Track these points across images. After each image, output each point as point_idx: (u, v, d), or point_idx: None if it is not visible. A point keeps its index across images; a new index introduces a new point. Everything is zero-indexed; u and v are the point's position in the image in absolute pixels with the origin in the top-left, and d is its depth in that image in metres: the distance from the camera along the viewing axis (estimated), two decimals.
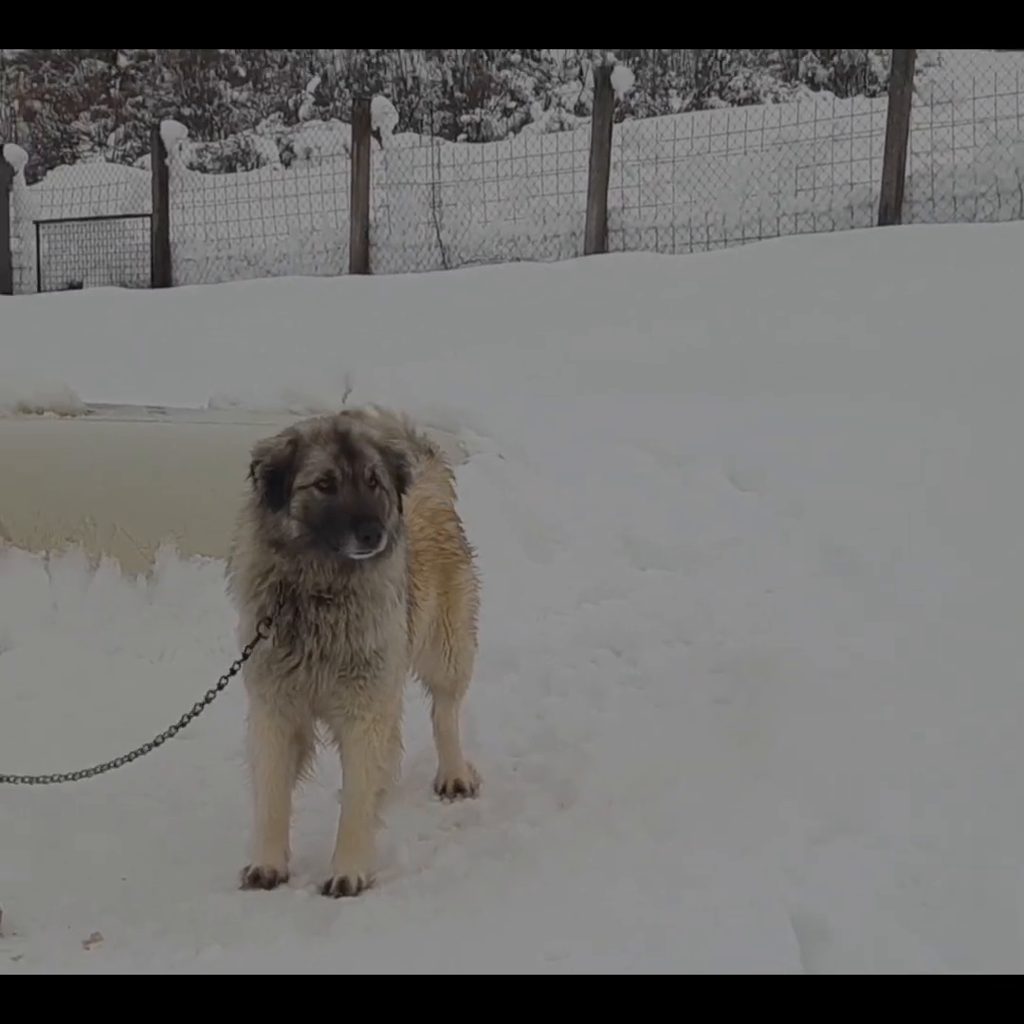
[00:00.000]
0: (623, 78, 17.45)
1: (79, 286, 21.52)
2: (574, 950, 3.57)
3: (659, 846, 4.28)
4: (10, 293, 22.12)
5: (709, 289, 12.26)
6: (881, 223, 15.03)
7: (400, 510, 4.30)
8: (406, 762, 4.81)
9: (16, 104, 37.52)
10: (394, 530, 4.24)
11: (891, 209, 14.98)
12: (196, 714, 4.57)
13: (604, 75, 17.57)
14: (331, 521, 4.11)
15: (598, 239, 16.76)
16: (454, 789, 5.06)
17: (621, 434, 7.98)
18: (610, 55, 33.18)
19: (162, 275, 20.95)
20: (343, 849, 4.42)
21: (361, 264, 18.73)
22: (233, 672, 4.46)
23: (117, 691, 5.81)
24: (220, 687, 4.51)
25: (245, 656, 4.38)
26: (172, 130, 21.95)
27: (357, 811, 4.43)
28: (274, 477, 4.21)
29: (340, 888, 4.31)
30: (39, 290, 22.22)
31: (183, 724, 4.58)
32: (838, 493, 7.07)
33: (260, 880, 4.41)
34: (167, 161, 21.26)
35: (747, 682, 5.39)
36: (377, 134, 19.42)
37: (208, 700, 4.53)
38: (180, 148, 25.94)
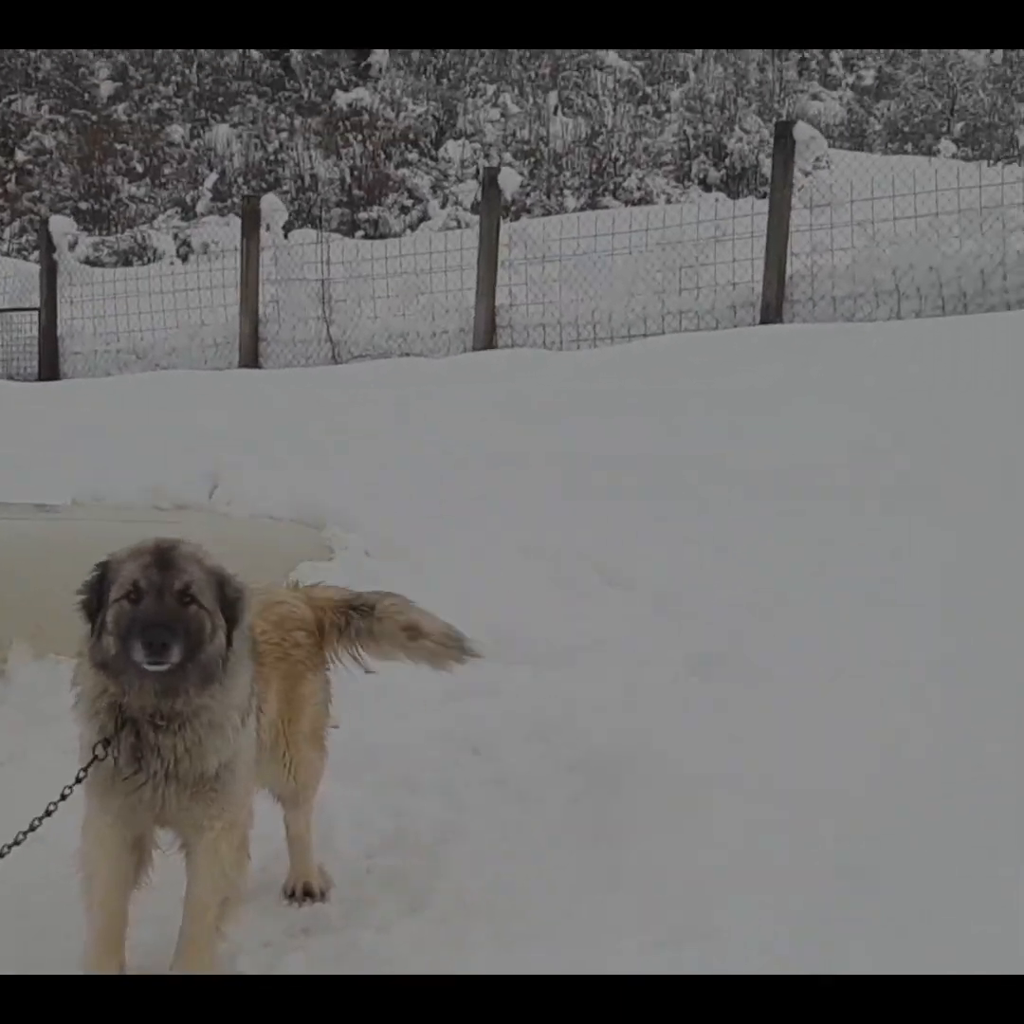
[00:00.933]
0: (510, 179, 17.74)
1: None
2: None
3: (504, 957, 4.20)
4: None
5: (590, 386, 12.33)
6: (763, 322, 15.27)
7: (228, 636, 4.10)
8: (257, 864, 4.68)
9: None
10: (219, 655, 4.08)
11: (772, 308, 15.24)
12: (33, 830, 4.39)
13: (491, 176, 17.84)
14: (130, 630, 3.97)
15: (487, 335, 16.90)
16: (303, 893, 4.94)
17: (495, 532, 7.95)
18: (503, 156, 33.79)
19: (50, 368, 20.82)
20: (182, 961, 4.27)
21: (251, 358, 18.74)
22: (77, 782, 4.28)
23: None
24: (63, 797, 4.37)
25: (79, 778, 4.24)
26: (60, 224, 22.00)
27: (200, 920, 4.29)
28: (90, 601, 4.11)
29: None
30: None
31: (18, 842, 4.38)
32: (704, 595, 7.08)
33: None
34: (55, 255, 21.20)
35: (602, 782, 5.34)
36: (269, 229, 19.51)
37: (48, 813, 4.39)
38: (73, 244, 25.90)
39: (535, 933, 4.33)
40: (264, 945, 4.60)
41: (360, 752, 5.75)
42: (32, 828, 4.38)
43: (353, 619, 5.07)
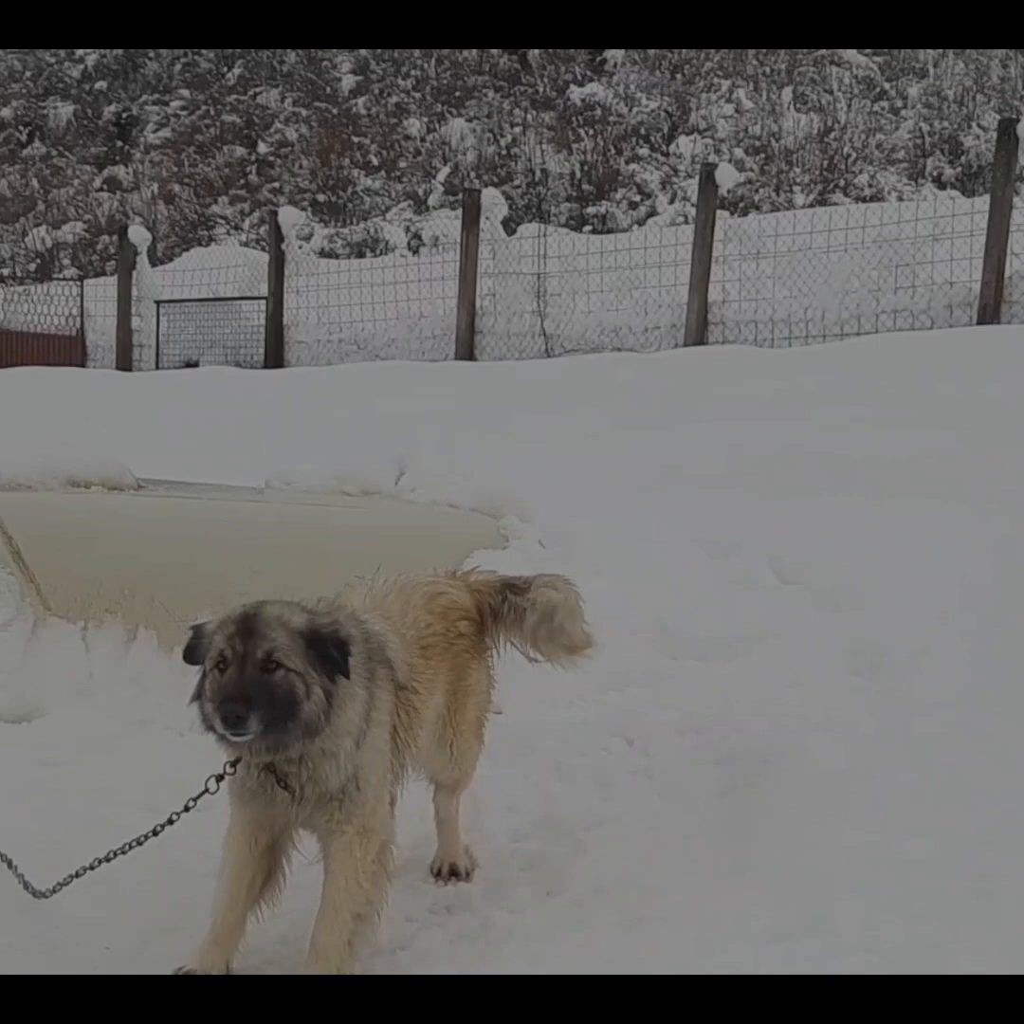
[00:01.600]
0: (727, 174, 17.64)
1: (195, 364, 22.12)
2: None
3: (627, 940, 4.26)
4: (129, 369, 22.81)
5: (795, 383, 12.22)
6: (980, 322, 14.90)
7: (326, 691, 4.15)
8: (406, 842, 4.82)
9: (156, 187, 38.76)
10: (320, 710, 4.14)
11: (990, 309, 14.86)
12: (171, 823, 4.62)
13: (708, 172, 17.75)
14: (213, 701, 4.08)
15: (698, 331, 16.86)
16: (449, 873, 5.05)
17: (671, 525, 7.97)
18: (734, 152, 33.51)
19: (274, 356, 21.45)
20: (315, 960, 4.29)
21: (466, 350, 19.03)
22: (202, 793, 4.47)
23: (142, 761, 5.89)
24: (187, 808, 4.57)
25: (206, 789, 4.42)
26: (289, 216, 22.59)
27: (331, 930, 4.27)
28: (192, 665, 4.27)
29: None
30: (157, 367, 22.89)
31: (157, 832, 4.62)
32: (877, 592, 6.99)
33: None
34: (284, 246, 21.80)
35: (748, 776, 5.36)
36: (489, 222, 19.76)
37: (187, 809, 4.58)
38: (309, 236, 26.63)
39: (660, 918, 4.37)
40: (407, 920, 4.73)
41: (516, 737, 5.86)
42: (170, 822, 4.62)
43: (508, 598, 5.12)
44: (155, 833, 4.60)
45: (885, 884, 4.16)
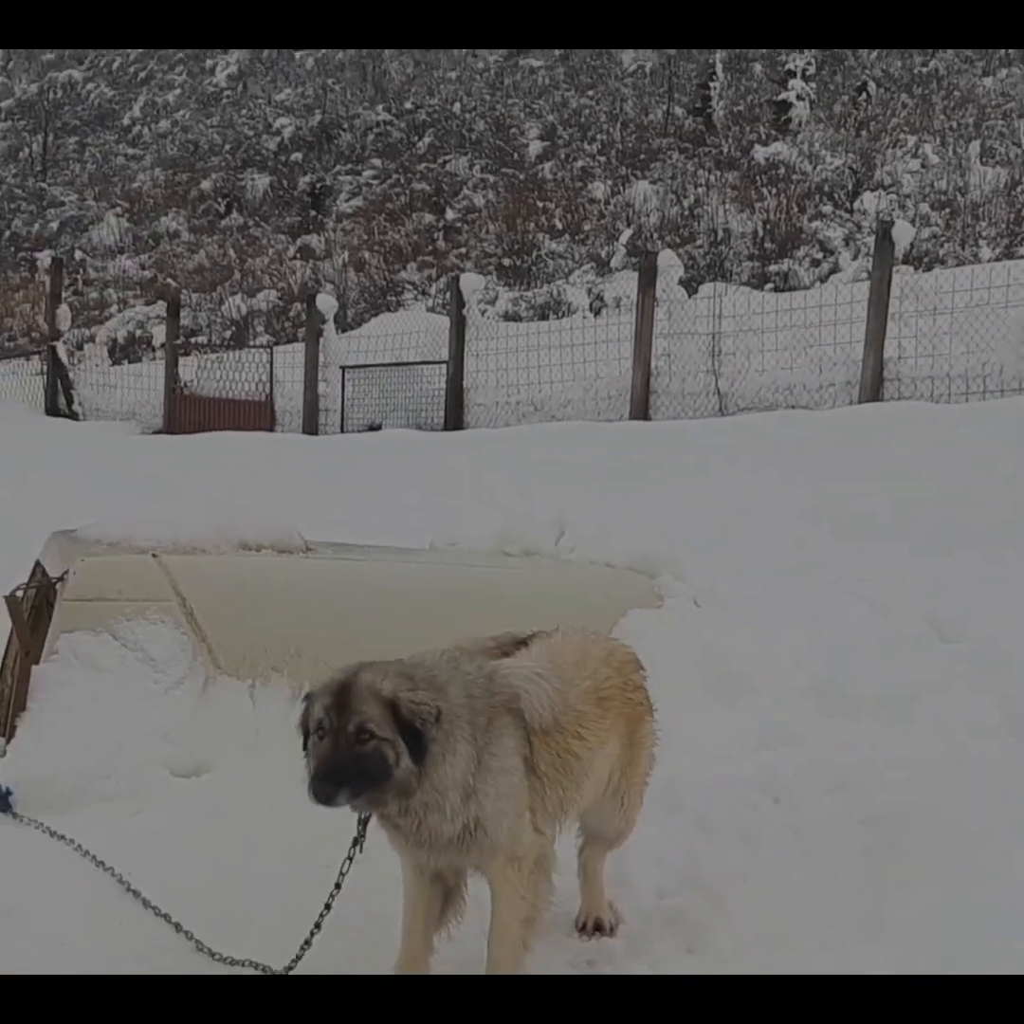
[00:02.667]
0: (904, 232, 17.47)
1: (378, 428, 22.60)
2: None
3: None
4: (315, 433, 23.40)
5: (967, 438, 12.08)
6: None
7: (417, 757, 4.31)
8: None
9: (347, 255, 39.77)
10: (410, 775, 4.30)
11: None
12: (337, 887, 4.83)
13: (884, 229, 17.63)
14: (308, 772, 4.34)
15: (873, 388, 16.72)
16: (594, 927, 5.13)
17: (832, 582, 7.97)
18: (919, 207, 33.10)
19: (454, 418, 21.82)
20: (491, 972, 4.57)
21: (641, 410, 19.16)
22: (348, 860, 4.73)
23: (304, 816, 6.10)
24: (342, 874, 4.78)
25: (350, 856, 4.70)
26: (470, 282, 23.02)
27: (502, 940, 4.57)
28: (302, 730, 4.51)
29: None
30: (342, 431, 23.44)
31: (330, 900, 4.84)
32: None
33: None
34: (465, 311, 22.21)
35: (896, 836, 5.34)
36: (664, 284, 19.88)
37: (337, 886, 4.80)
38: (495, 299, 27.03)
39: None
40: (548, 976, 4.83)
41: (663, 793, 5.89)
42: (337, 885, 4.82)
43: None
44: (337, 887, 4.82)
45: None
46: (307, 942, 4.78)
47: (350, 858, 4.68)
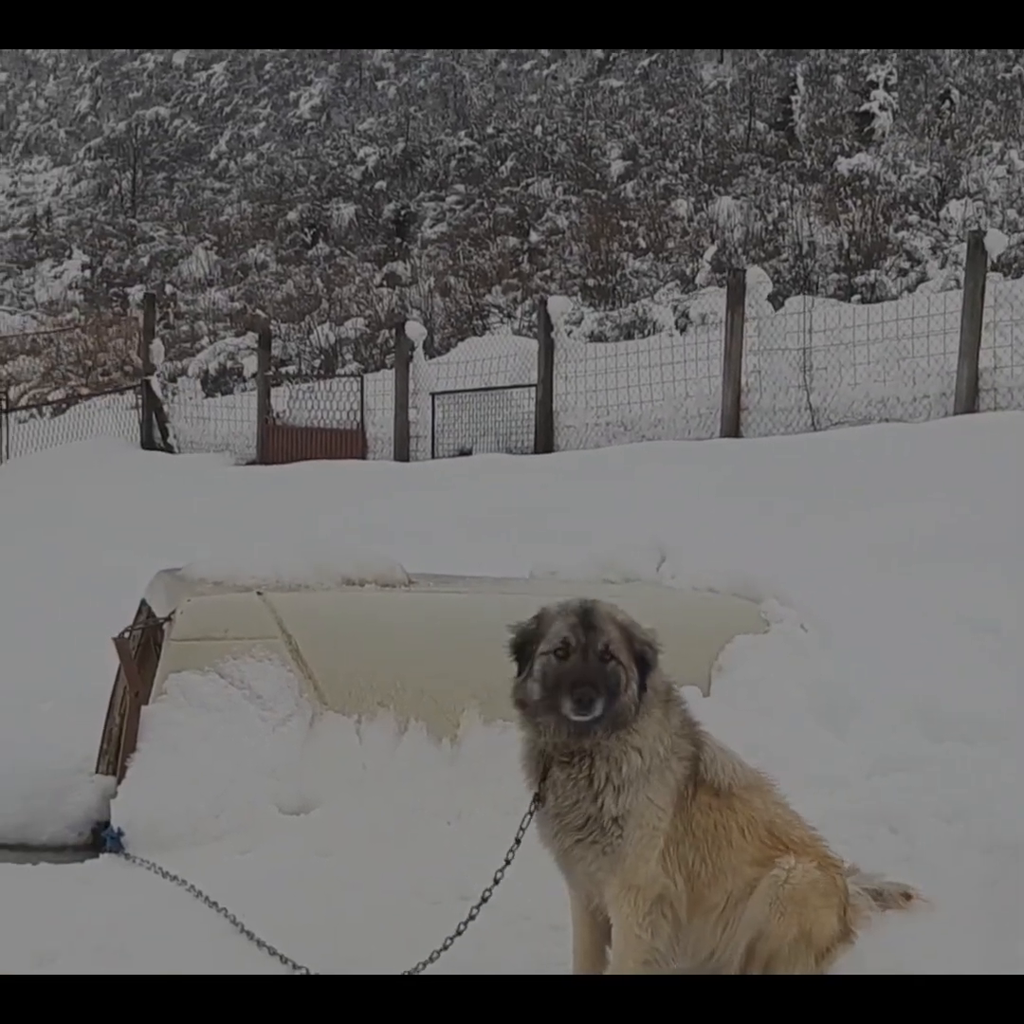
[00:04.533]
0: (996, 240, 17.23)
1: (469, 452, 22.64)
2: None
3: None
4: (406, 460, 23.48)
5: None
6: None
7: (641, 686, 4.52)
8: None
9: (433, 280, 39.95)
10: (632, 703, 4.50)
11: None
12: (485, 901, 4.90)
13: (977, 238, 17.39)
14: (558, 684, 4.45)
15: (968, 399, 16.48)
16: None
17: (936, 603, 7.85)
18: (1007, 214, 32.67)
19: (544, 441, 21.80)
20: None
21: (732, 427, 19.04)
22: (517, 842, 4.80)
23: (412, 850, 6.10)
24: (507, 863, 4.87)
25: (518, 839, 4.78)
26: (558, 304, 22.99)
27: (617, 975, 4.55)
28: (521, 647, 4.63)
29: None
30: (433, 457, 23.51)
31: (484, 900, 4.90)
32: None
33: None
34: (553, 334, 22.20)
35: (1017, 866, 5.22)
36: (753, 300, 19.76)
37: (496, 881, 4.89)
38: (580, 320, 26.97)
39: None
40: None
41: None
42: (484, 900, 4.90)
43: None
44: (484, 900, 4.90)
45: None
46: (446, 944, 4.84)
47: (530, 812, 4.70)
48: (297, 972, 5.03)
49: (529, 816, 4.72)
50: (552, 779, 4.60)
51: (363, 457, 24.61)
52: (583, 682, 4.42)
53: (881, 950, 4.91)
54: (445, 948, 4.86)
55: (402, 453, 24.19)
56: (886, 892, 5.20)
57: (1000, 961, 4.59)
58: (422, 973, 4.76)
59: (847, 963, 4.81)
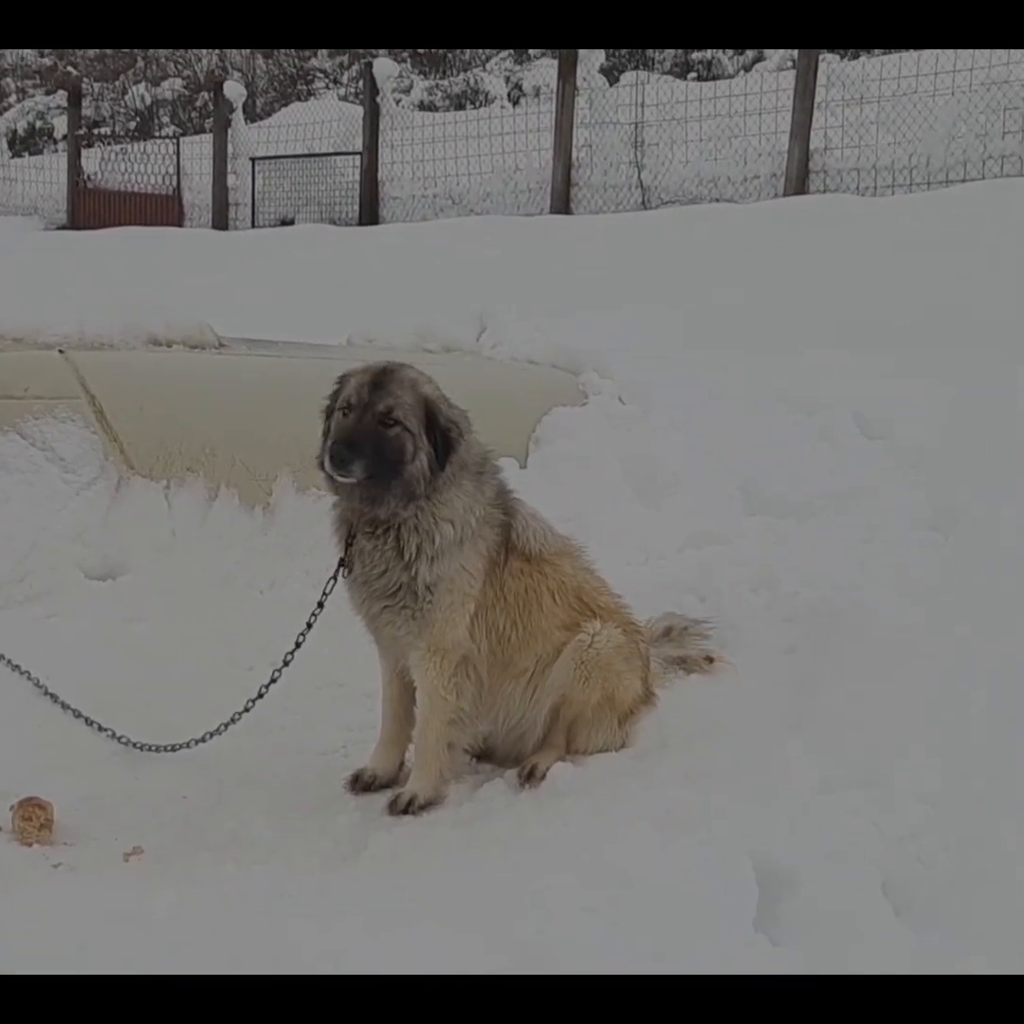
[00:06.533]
0: None
1: (291, 222, 22.01)
2: (557, 885, 3.60)
3: (684, 792, 4.28)
4: (225, 229, 22.78)
5: (895, 232, 11.91)
6: None
7: (441, 463, 4.40)
8: None
9: None
10: (420, 475, 4.37)
11: None
12: (287, 664, 4.93)
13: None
14: (329, 440, 4.36)
15: (799, 181, 16.44)
16: (527, 774, 4.90)
17: (754, 382, 7.87)
18: None
19: (369, 213, 21.27)
20: (413, 769, 4.66)
21: (562, 204, 18.75)
22: (320, 607, 4.79)
23: (225, 618, 6.02)
24: (309, 626, 4.87)
25: (325, 594, 4.74)
26: (385, 68, 22.19)
27: (422, 734, 4.64)
28: (328, 411, 4.51)
29: (398, 805, 4.54)
30: (253, 226, 22.83)
31: (286, 663, 4.92)
32: (963, 452, 6.87)
33: (357, 781, 4.74)
34: (379, 99, 21.49)
35: (817, 633, 5.34)
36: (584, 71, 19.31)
37: (298, 645, 4.91)
38: (409, 88, 26.14)
39: (721, 771, 4.36)
40: (473, 772, 4.88)
41: None
42: (286, 663, 4.93)
43: None
44: (286, 663, 4.91)
45: (942, 739, 4.14)
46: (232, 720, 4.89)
47: (334, 578, 4.65)
48: (104, 734, 4.96)
49: (332, 581, 4.67)
50: (358, 547, 4.53)
51: (180, 224, 23.80)
52: (341, 439, 4.29)
53: (686, 708, 5.01)
54: (247, 710, 4.88)
55: (221, 221, 23.43)
56: (689, 658, 5.29)
57: (796, 717, 4.69)
58: None
59: (650, 722, 4.91)
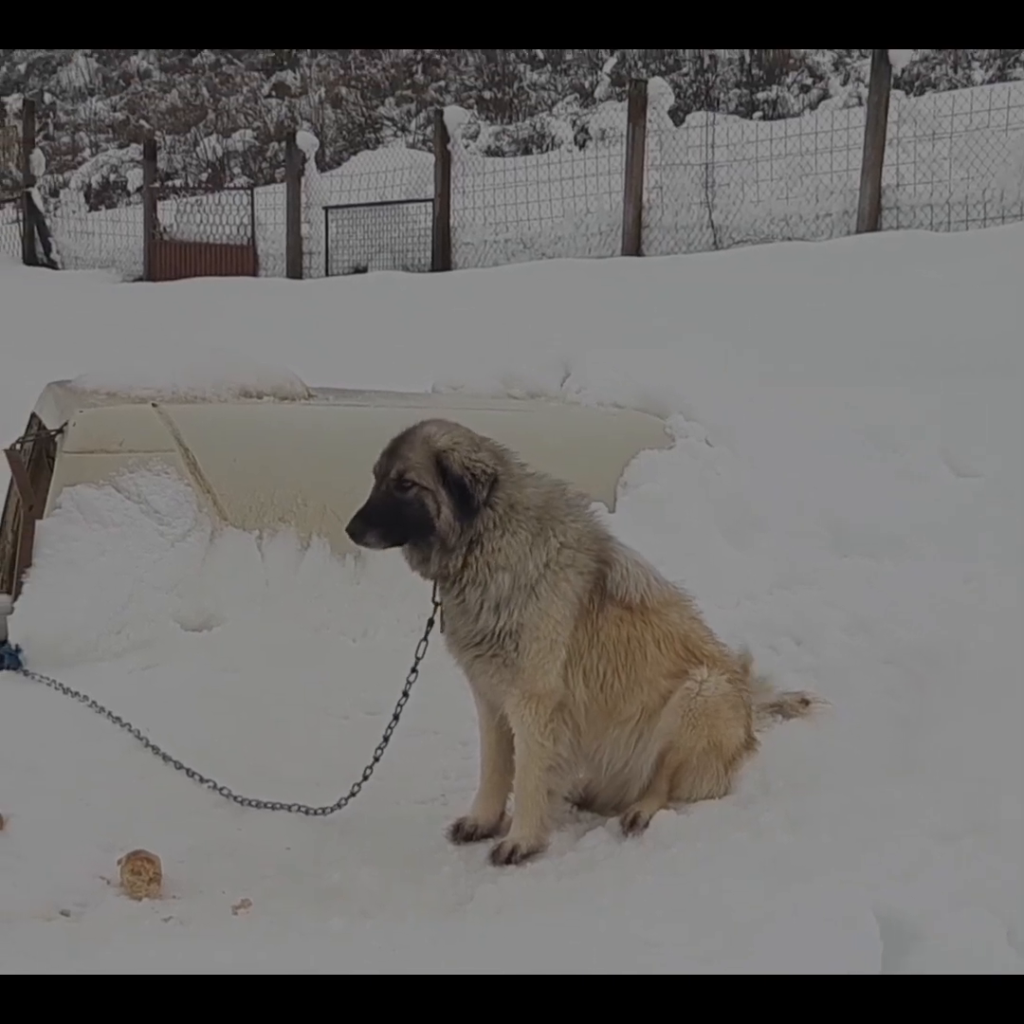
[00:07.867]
0: (900, 54, 16.91)
1: (364, 270, 22.15)
2: (670, 936, 3.58)
3: (790, 839, 4.25)
4: (299, 277, 22.97)
5: (969, 267, 11.84)
6: None
7: (467, 511, 4.44)
8: None
9: (323, 91, 38.82)
10: (448, 527, 4.44)
11: None
12: (397, 718, 5.00)
13: (880, 52, 17.07)
14: None
15: (871, 217, 16.37)
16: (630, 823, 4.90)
17: (837, 420, 7.83)
18: None
19: (442, 258, 21.38)
20: (515, 818, 4.70)
21: (633, 246, 18.77)
22: (417, 659, 4.85)
23: (319, 667, 6.05)
24: (406, 694, 4.94)
25: (419, 654, 4.84)
26: (455, 115, 22.31)
27: (521, 782, 4.65)
28: None
29: (501, 855, 4.56)
30: (327, 274, 23.01)
31: (396, 717, 4.98)
32: None
33: (459, 831, 4.79)
34: (449, 146, 21.62)
35: (917, 674, 5.31)
36: (654, 112, 19.37)
37: (406, 695, 4.95)
38: (474, 134, 26.30)
39: (825, 816, 4.33)
40: (576, 821, 4.86)
41: None
42: (396, 717, 4.98)
43: None
44: (396, 717, 4.96)
45: None
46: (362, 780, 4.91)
47: (425, 639, 4.76)
48: (205, 786, 5.00)
49: (424, 643, 4.77)
50: (443, 603, 4.62)
51: (255, 274, 24.01)
52: (358, 513, 4.48)
53: (786, 754, 4.98)
54: (365, 778, 4.91)
55: (295, 270, 23.60)
56: (785, 703, 5.27)
57: (901, 761, 4.66)
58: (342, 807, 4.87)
59: (752, 768, 4.89)
